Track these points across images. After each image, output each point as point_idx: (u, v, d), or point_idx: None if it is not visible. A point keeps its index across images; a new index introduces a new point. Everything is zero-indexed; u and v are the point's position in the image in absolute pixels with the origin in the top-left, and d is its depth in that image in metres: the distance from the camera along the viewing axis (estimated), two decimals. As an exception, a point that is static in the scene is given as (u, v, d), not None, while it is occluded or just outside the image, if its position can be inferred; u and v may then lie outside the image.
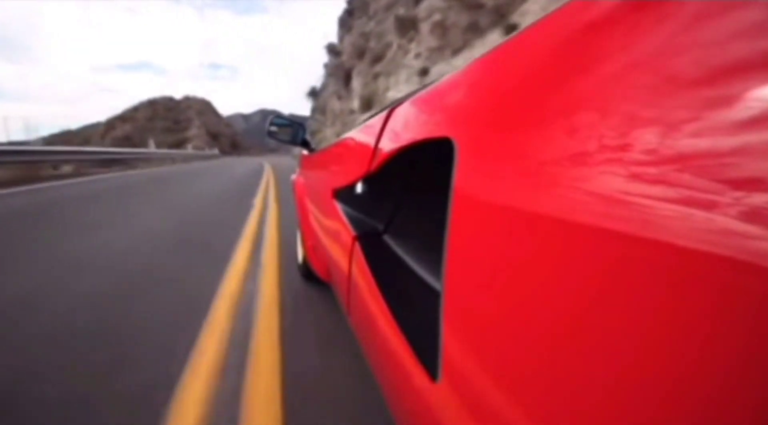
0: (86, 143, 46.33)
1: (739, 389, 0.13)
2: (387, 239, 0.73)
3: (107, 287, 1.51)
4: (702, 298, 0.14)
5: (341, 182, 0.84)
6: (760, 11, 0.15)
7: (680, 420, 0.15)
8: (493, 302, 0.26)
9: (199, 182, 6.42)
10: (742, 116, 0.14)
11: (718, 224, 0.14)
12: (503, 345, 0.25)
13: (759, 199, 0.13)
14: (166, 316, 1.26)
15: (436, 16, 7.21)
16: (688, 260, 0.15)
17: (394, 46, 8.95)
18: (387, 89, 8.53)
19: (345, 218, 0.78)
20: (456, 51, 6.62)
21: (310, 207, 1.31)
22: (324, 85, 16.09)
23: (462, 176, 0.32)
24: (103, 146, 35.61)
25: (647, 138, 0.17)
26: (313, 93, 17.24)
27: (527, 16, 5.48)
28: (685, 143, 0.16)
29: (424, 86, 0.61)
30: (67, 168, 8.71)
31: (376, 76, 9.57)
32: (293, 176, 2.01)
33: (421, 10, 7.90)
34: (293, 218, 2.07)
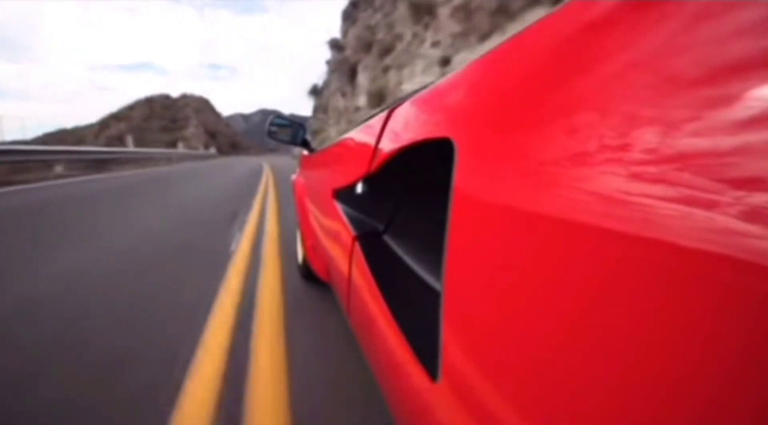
0: (80, 142, 45.19)
1: (739, 389, 0.13)
2: (387, 239, 0.73)
3: None
4: (703, 298, 0.14)
5: (341, 182, 0.85)
6: (760, 11, 0.15)
7: (681, 421, 0.15)
8: (494, 303, 0.26)
9: (183, 190, 5.55)
10: (742, 115, 0.14)
11: (718, 224, 0.14)
12: (503, 346, 0.25)
13: (759, 199, 0.13)
14: None
15: None
16: (688, 260, 0.15)
17: (408, 36, 8.08)
18: (400, 83, 7.65)
19: (345, 218, 0.78)
20: (483, 37, 5.74)
21: (310, 207, 1.30)
22: (326, 83, 15.10)
23: (462, 177, 0.32)
24: (97, 145, 34.71)
25: (647, 138, 0.17)
26: (315, 91, 16.25)
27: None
28: (686, 143, 0.16)
29: (424, 86, 0.61)
30: None
31: (385, 70, 8.70)
32: (293, 176, 1.93)
33: (439, -7, 7.02)
34: (293, 237, 1.66)
